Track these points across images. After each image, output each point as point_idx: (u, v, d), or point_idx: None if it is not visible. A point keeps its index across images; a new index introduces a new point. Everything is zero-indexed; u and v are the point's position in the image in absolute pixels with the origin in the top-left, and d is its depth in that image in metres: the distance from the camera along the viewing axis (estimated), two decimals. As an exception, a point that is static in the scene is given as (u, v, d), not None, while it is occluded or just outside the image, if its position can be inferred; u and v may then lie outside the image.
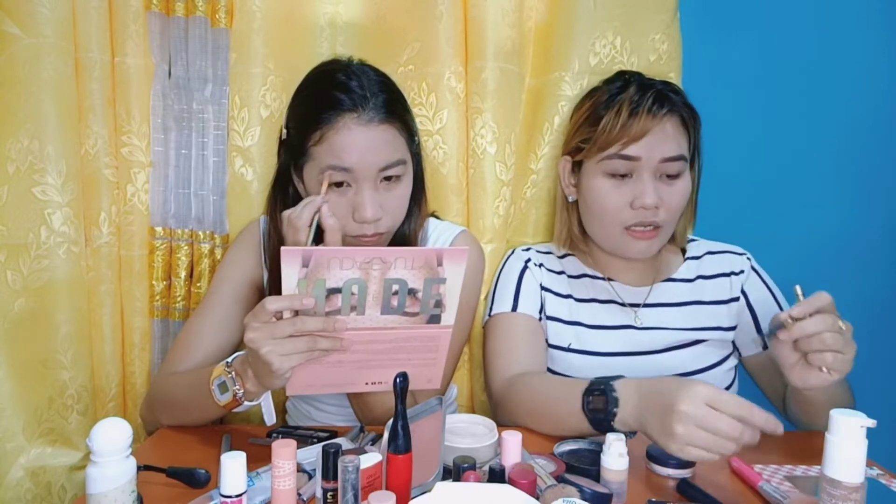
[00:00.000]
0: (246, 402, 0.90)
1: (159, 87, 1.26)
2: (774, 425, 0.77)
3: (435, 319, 0.87)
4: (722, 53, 1.37)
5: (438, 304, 0.86)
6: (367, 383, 0.91)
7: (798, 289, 0.86)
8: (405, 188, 1.07)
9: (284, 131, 1.08)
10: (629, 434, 0.85)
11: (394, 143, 1.02)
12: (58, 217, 1.13)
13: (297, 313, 0.83)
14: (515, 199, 1.32)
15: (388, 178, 1.03)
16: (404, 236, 1.14)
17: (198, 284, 1.29)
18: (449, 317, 0.87)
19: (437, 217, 1.25)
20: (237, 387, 0.88)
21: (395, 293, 0.84)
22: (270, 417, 0.92)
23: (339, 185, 1.01)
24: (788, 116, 1.42)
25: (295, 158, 1.06)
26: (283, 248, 0.80)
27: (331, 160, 0.99)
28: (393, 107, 1.03)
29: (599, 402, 0.88)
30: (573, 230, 1.20)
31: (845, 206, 1.45)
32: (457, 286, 0.85)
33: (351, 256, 0.81)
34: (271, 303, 0.82)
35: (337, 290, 0.83)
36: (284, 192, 1.13)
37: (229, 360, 0.91)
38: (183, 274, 1.28)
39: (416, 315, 0.86)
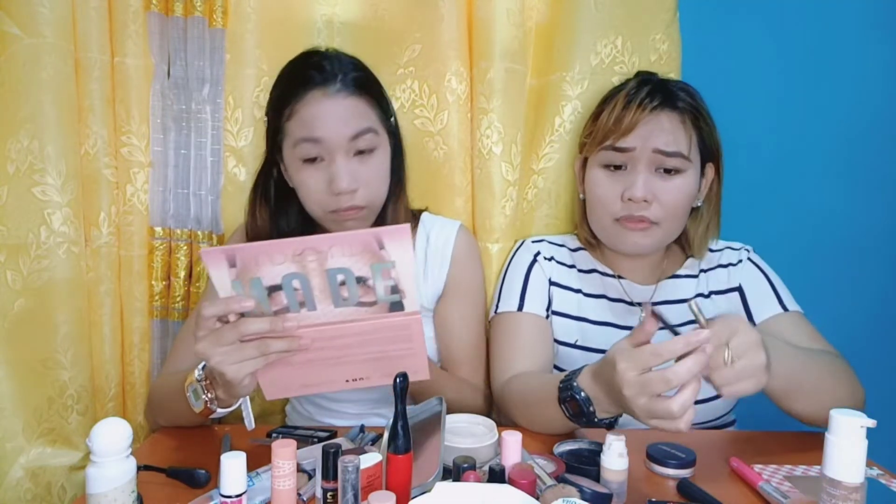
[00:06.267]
0: (220, 410, 0.89)
1: (158, 87, 1.26)
2: (693, 339, 0.74)
3: (397, 307, 0.80)
4: (721, 53, 1.37)
5: (395, 289, 0.79)
6: (347, 380, 0.87)
7: (694, 304, 0.80)
8: (380, 160, 1.06)
9: (265, 118, 1.08)
10: (614, 421, 0.85)
11: (364, 114, 1.03)
12: (58, 217, 1.13)
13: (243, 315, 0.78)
14: (518, 200, 1.32)
15: (360, 152, 1.03)
16: (384, 217, 1.12)
17: (197, 284, 1.29)
18: (412, 302, 0.80)
19: (430, 212, 1.25)
20: (207, 395, 0.86)
21: (343, 283, 0.78)
22: (250, 423, 0.91)
23: (312, 160, 1.02)
24: (788, 115, 1.42)
25: (273, 140, 1.06)
26: (202, 250, 0.75)
27: (301, 132, 1.00)
28: (362, 83, 1.04)
29: (574, 407, 0.87)
30: (584, 227, 1.20)
31: (845, 205, 1.45)
32: (409, 268, 0.77)
33: (280, 250, 0.75)
34: (207, 308, 0.78)
35: (278, 288, 0.77)
36: (266, 186, 1.12)
37: (202, 365, 0.89)
38: (182, 274, 1.29)
39: (373, 304, 0.80)
